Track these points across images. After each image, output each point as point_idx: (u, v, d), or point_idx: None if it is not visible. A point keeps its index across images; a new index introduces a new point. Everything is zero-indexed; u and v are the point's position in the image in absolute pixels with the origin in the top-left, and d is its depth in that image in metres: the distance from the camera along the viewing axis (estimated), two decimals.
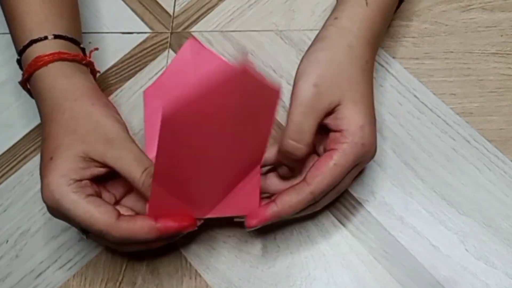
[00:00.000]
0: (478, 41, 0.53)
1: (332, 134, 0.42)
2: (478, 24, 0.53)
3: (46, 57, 0.45)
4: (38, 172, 0.51)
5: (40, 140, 0.53)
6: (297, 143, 0.41)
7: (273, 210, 0.42)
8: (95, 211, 0.40)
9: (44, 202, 0.42)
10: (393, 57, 0.53)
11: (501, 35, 0.53)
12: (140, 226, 0.40)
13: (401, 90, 0.52)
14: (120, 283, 0.47)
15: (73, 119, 0.43)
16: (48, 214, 0.49)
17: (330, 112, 0.42)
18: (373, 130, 0.43)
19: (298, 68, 0.43)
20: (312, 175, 0.41)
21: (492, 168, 0.48)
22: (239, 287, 0.46)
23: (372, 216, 0.47)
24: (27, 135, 0.53)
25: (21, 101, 0.55)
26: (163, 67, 0.55)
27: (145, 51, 0.56)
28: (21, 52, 0.46)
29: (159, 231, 0.41)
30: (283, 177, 0.44)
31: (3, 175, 0.52)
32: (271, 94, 0.38)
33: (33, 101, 0.54)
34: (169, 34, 0.57)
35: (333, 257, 0.46)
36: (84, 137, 0.42)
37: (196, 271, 0.47)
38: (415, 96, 0.51)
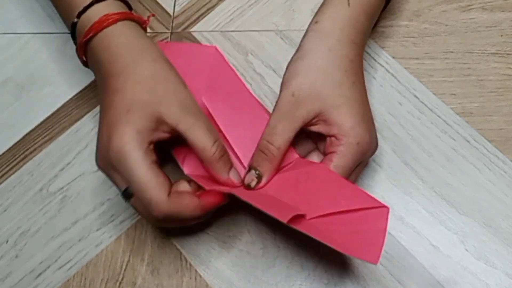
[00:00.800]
0: (478, 41, 0.53)
1: (328, 139, 0.44)
2: (478, 24, 0.53)
3: (116, 15, 0.45)
4: (38, 172, 0.51)
5: (40, 140, 0.53)
6: (269, 144, 0.43)
7: None
8: (153, 179, 0.40)
9: (106, 148, 0.41)
10: (393, 57, 0.53)
11: (501, 35, 0.53)
12: (187, 204, 0.41)
13: (401, 90, 0.52)
14: (120, 283, 0.47)
15: (152, 79, 0.43)
16: (48, 214, 0.50)
17: (314, 121, 0.43)
18: (367, 127, 0.43)
19: (282, 78, 0.45)
20: None
21: (492, 168, 0.48)
22: (239, 287, 0.46)
23: None
24: (27, 135, 0.53)
25: (21, 101, 0.55)
26: None
27: None
28: (80, 13, 0.45)
29: (203, 208, 0.42)
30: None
31: (3, 175, 0.52)
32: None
33: (33, 101, 0.54)
34: (169, 34, 0.57)
35: (333, 257, 0.46)
36: (163, 99, 0.42)
37: (196, 271, 0.47)
38: (415, 96, 0.51)
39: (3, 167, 0.52)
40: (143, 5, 0.58)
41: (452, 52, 0.53)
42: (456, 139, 0.49)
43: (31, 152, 0.52)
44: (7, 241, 0.49)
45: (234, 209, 0.48)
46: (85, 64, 0.47)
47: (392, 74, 0.52)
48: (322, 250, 0.47)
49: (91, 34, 0.44)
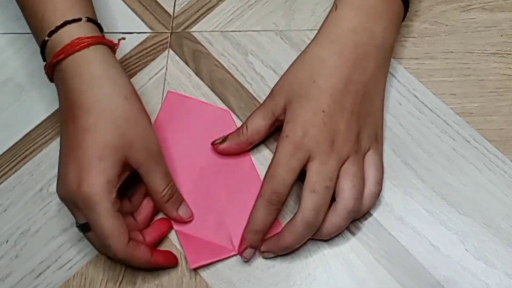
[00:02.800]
0: (478, 41, 0.53)
1: None
2: (478, 24, 0.53)
3: (88, 39, 0.45)
4: (38, 172, 0.51)
5: (40, 140, 0.53)
6: (244, 125, 0.48)
7: None
8: (116, 230, 0.42)
9: (73, 190, 0.42)
10: (393, 57, 0.53)
11: (501, 35, 0.53)
12: (140, 257, 0.44)
13: (401, 90, 0.52)
14: (120, 283, 0.47)
15: (124, 120, 0.44)
16: (48, 214, 0.50)
17: (282, 116, 0.46)
18: (302, 123, 0.44)
19: None
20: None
21: (492, 168, 0.48)
22: (239, 287, 0.46)
23: (372, 216, 0.47)
24: (27, 135, 0.53)
25: (21, 101, 0.55)
26: (163, 67, 0.55)
27: (145, 51, 0.56)
28: (52, 32, 0.45)
29: (151, 264, 0.45)
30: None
31: (3, 175, 0.52)
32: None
33: (33, 101, 0.54)
34: (169, 34, 0.57)
35: (333, 257, 0.46)
36: (132, 143, 0.44)
37: (196, 271, 0.47)
38: (415, 96, 0.51)
39: (3, 167, 0.52)
40: (143, 5, 0.58)
41: (452, 52, 0.53)
42: (456, 139, 0.49)
43: (31, 152, 0.52)
44: (7, 241, 0.49)
45: None
46: (51, 79, 0.47)
47: (392, 74, 0.52)
48: (322, 250, 0.47)
49: (62, 56, 0.44)
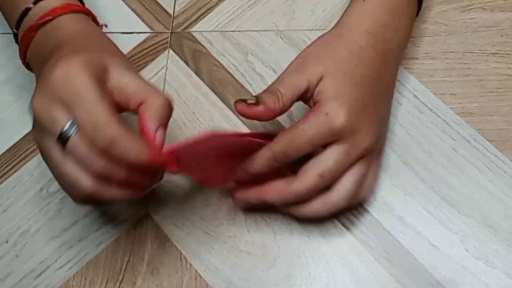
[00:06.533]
0: (478, 41, 0.53)
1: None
2: (478, 24, 0.53)
3: (77, 6, 0.46)
4: (38, 172, 0.51)
5: None
6: (276, 88, 0.43)
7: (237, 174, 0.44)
8: (103, 101, 0.37)
9: (46, 81, 0.38)
10: None
11: (501, 35, 0.53)
12: (135, 140, 0.37)
13: (401, 90, 0.52)
14: (120, 283, 0.47)
15: (104, 46, 0.44)
16: (48, 214, 0.50)
17: (314, 86, 0.43)
18: (350, 107, 0.42)
19: None
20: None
21: (492, 168, 0.48)
22: (239, 287, 0.46)
23: (372, 216, 0.47)
24: (27, 135, 0.53)
25: (21, 101, 0.55)
26: (163, 67, 0.55)
27: (145, 51, 0.56)
28: (26, 10, 0.46)
29: (149, 158, 0.37)
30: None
31: (3, 175, 0.52)
32: None
33: None
34: (169, 34, 0.57)
35: (333, 257, 0.46)
36: (110, 53, 0.42)
37: (196, 271, 0.47)
38: (415, 96, 0.51)
39: (3, 167, 0.52)
40: (143, 5, 0.58)
41: (452, 52, 0.53)
42: (456, 139, 0.49)
43: (31, 152, 0.52)
44: (7, 241, 0.49)
45: (234, 209, 0.48)
46: (27, 45, 0.46)
47: None
48: (322, 250, 0.47)
49: (49, 18, 0.44)
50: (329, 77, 0.43)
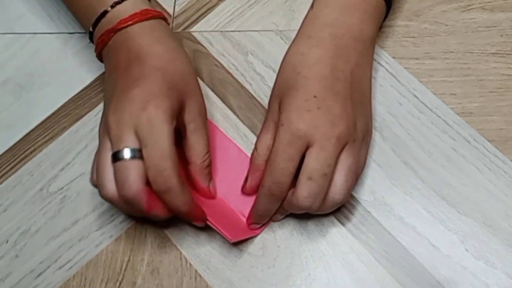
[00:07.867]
0: (478, 41, 0.53)
1: None
2: (478, 24, 0.53)
3: (155, 12, 0.48)
4: (38, 172, 0.51)
5: (40, 140, 0.53)
6: (255, 148, 0.47)
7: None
8: (174, 153, 0.41)
9: (137, 107, 0.42)
10: (393, 57, 0.53)
11: (501, 35, 0.53)
12: (186, 192, 0.42)
13: (401, 90, 0.52)
14: (120, 283, 0.47)
15: (188, 75, 0.46)
16: (48, 214, 0.50)
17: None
18: (295, 109, 0.43)
19: None
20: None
21: (492, 168, 0.48)
22: (239, 287, 0.46)
23: (372, 216, 0.47)
24: (27, 135, 0.53)
25: (21, 101, 0.55)
26: None
27: None
28: (116, 3, 0.47)
29: (188, 206, 0.42)
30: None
31: (3, 175, 0.52)
32: None
33: (33, 101, 0.55)
34: None
35: (333, 257, 0.46)
36: (191, 94, 0.45)
37: (196, 271, 0.47)
38: (415, 96, 0.51)
39: (3, 167, 0.52)
40: None
41: (452, 52, 0.53)
42: (456, 139, 0.49)
43: (31, 152, 0.52)
44: (7, 241, 0.49)
45: None
46: (102, 46, 0.48)
47: (392, 74, 0.52)
48: (322, 250, 0.47)
49: (130, 22, 0.47)
50: (282, 103, 0.45)
